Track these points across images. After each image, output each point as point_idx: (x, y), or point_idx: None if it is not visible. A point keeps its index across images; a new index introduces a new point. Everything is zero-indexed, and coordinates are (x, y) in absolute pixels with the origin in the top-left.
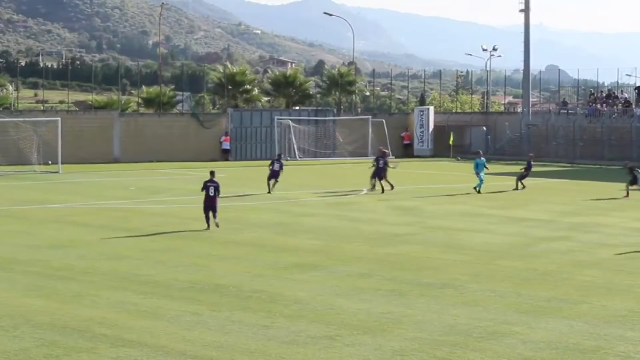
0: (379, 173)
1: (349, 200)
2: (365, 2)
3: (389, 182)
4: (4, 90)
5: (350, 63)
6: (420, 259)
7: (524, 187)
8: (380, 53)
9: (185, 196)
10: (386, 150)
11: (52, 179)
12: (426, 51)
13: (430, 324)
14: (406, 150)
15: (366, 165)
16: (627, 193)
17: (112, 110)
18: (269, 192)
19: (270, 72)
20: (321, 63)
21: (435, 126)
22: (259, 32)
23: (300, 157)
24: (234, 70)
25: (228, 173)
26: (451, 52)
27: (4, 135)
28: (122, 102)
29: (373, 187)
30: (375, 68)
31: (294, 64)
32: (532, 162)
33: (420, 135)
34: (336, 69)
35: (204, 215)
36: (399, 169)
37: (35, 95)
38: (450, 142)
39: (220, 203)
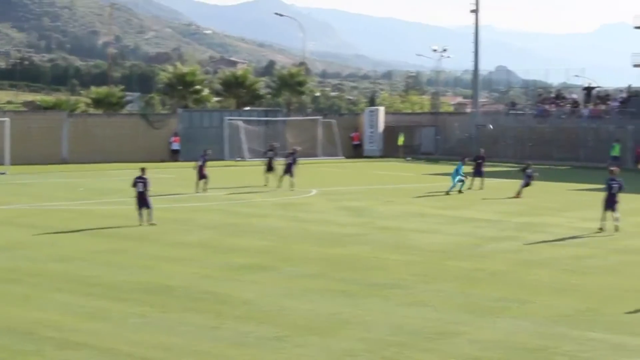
0: (288, 169)
1: (298, 201)
2: (315, 2)
3: (291, 180)
4: None
5: (301, 63)
6: (369, 259)
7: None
8: (331, 53)
9: (134, 197)
10: (297, 148)
11: None
12: (377, 52)
13: (379, 325)
14: (356, 151)
15: (316, 166)
16: (519, 194)
17: (61, 111)
18: (198, 192)
19: (220, 72)
20: (271, 63)
21: (385, 127)
22: (209, 32)
23: (250, 158)
24: (184, 71)
25: (177, 174)
26: (401, 53)
27: None
28: (71, 102)
29: (273, 183)
30: (325, 68)
31: (244, 65)
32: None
33: (370, 135)
34: (286, 70)
35: (137, 212)
36: (349, 170)
37: None
38: (400, 143)
39: (169, 204)
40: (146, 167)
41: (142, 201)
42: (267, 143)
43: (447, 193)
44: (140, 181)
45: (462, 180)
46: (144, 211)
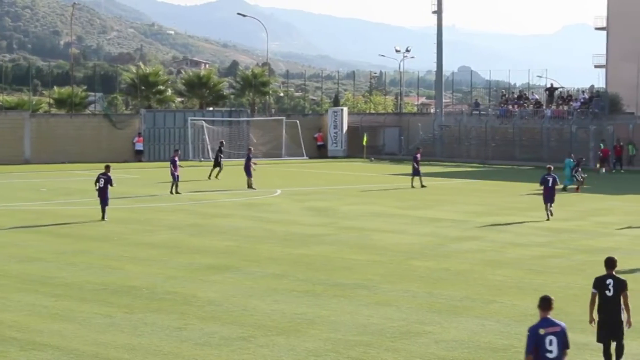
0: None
1: (263, 201)
2: (278, 3)
3: (248, 180)
4: None
5: (264, 64)
6: (333, 259)
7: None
8: (294, 54)
9: (96, 197)
10: (251, 148)
11: None
12: (340, 52)
13: (344, 325)
14: (320, 151)
15: (280, 166)
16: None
17: (23, 111)
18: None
19: (183, 72)
20: (235, 64)
21: (348, 127)
22: (172, 32)
23: (214, 158)
24: (147, 71)
25: (141, 174)
26: (365, 53)
27: None
28: (33, 102)
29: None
30: (289, 69)
31: (207, 65)
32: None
33: (333, 136)
34: (250, 70)
35: (100, 207)
36: (313, 170)
37: None
38: (364, 143)
39: (133, 204)
40: (110, 166)
41: (101, 197)
42: (231, 143)
43: (564, 189)
44: (103, 177)
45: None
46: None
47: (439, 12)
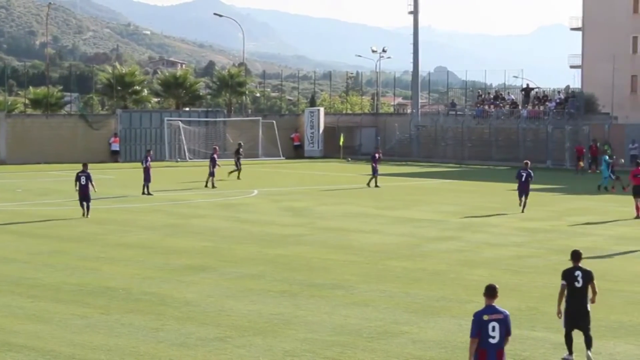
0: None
1: (239, 202)
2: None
3: (212, 181)
4: None
5: (241, 64)
6: (310, 259)
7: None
8: (271, 54)
9: (74, 198)
10: (216, 147)
11: None
12: (317, 53)
13: (321, 325)
14: (296, 152)
15: (257, 167)
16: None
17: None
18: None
19: (160, 73)
20: (211, 64)
21: (325, 127)
22: (148, 32)
23: (190, 159)
24: (123, 71)
25: (117, 175)
26: (341, 54)
27: None
28: (9, 103)
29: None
30: (265, 69)
31: (184, 65)
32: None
33: (310, 136)
34: (226, 70)
35: (79, 204)
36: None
37: None
38: (341, 143)
39: (109, 205)
40: (87, 163)
41: (85, 195)
42: (208, 144)
43: (606, 188)
44: (83, 175)
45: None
46: (85, 204)
47: (415, 12)
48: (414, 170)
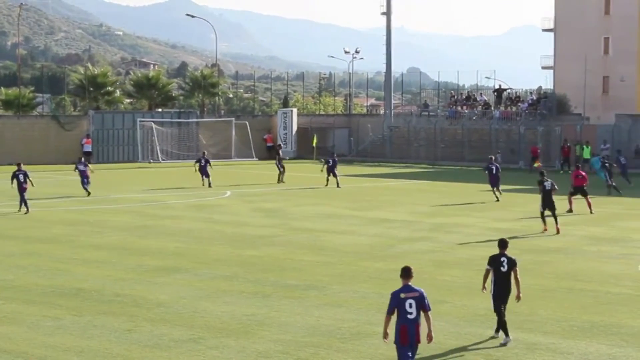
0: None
1: (212, 203)
2: (227, 4)
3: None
4: None
5: (213, 65)
6: (283, 260)
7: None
8: (244, 55)
9: (45, 199)
10: (205, 151)
11: None
12: (289, 53)
13: (294, 326)
14: (269, 152)
15: (229, 168)
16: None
17: None
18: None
19: (132, 73)
20: (184, 65)
21: (298, 128)
22: (120, 33)
23: (163, 160)
24: (95, 72)
25: (90, 175)
26: (314, 55)
27: None
28: None
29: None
30: (238, 70)
31: (156, 66)
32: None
33: (283, 137)
34: (199, 71)
35: (20, 199)
36: (262, 171)
37: None
38: (314, 144)
39: (80, 206)
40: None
41: (23, 192)
42: (180, 145)
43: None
44: (20, 173)
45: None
46: (24, 201)
47: (387, 13)
48: (386, 171)
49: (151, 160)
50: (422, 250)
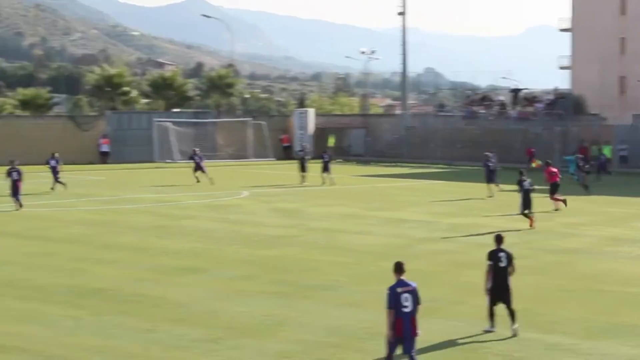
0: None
1: (229, 203)
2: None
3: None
4: None
5: (229, 65)
6: (302, 261)
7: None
8: (259, 55)
9: (64, 199)
10: (196, 149)
11: None
12: (305, 54)
13: (313, 326)
14: (286, 153)
15: (246, 168)
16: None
17: None
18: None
19: (148, 74)
20: (200, 65)
21: (314, 128)
22: (136, 33)
23: (179, 160)
24: (112, 72)
25: (106, 176)
26: (330, 55)
27: None
28: None
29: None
30: (254, 70)
31: (172, 66)
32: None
33: (299, 137)
34: (215, 71)
35: (13, 198)
36: (279, 171)
37: None
38: (330, 145)
39: (98, 206)
40: (15, 160)
41: (16, 189)
42: (197, 145)
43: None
44: (14, 170)
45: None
46: (17, 198)
47: (404, 13)
48: (403, 171)
49: (168, 161)
50: (440, 251)
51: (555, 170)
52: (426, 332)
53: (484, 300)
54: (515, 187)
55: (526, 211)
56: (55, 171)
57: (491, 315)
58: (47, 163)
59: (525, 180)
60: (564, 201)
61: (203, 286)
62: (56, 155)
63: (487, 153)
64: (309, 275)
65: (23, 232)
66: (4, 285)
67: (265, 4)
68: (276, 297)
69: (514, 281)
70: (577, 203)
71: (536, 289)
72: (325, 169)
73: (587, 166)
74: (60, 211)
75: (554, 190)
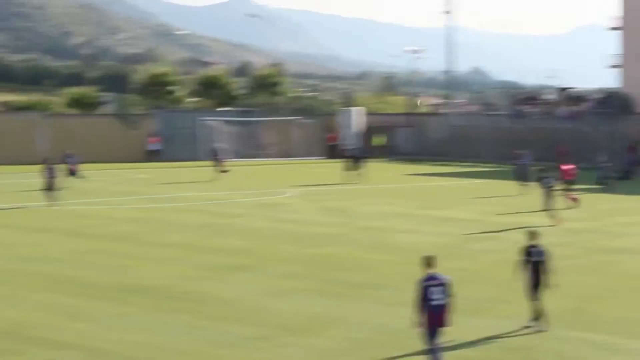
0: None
1: (278, 201)
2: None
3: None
4: None
5: (276, 64)
6: (349, 259)
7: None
8: (304, 54)
9: (112, 197)
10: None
11: None
12: (350, 53)
13: (361, 324)
14: (332, 151)
15: (292, 167)
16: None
17: (37, 111)
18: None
19: (195, 73)
20: (246, 64)
21: (361, 127)
22: (182, 33)
23: (226, 159)
24: (159, 71)
25: (153, 174)
26: (375, 54)
27: None
28: (47, 102)
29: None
30: (299, 69)
31: (218, 65)
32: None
33: (346, 136)
34: (261, 70)
35: (49, 194)
36: (326, 170)
37: None
38: (378, 143)
39: (146, 204)
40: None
41: (52, 186)
42: (243, 144)
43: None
44: (51, 168)
45: None
46: (51, 194)
47: (450, 12)
48: (451, 170)
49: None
50: (489, 250)
51: (569, 167)
52: (474, 330)
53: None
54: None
55: (549, 208)
56: (72, 170)
57: (536, 312)
58: (65, 162)
59: (546, 178)
60: (575, 199)
61: (252, 284)
62: (72, 153)
63: (519, 152)
64: (357, 274)
65: (72, 229)
66: (55, 282)
67: (310, 2)
68: (324, 296)
69: (561, 280)
70: (626, 203)
71: (586, 288)
72: (357, 166)
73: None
74: (108, 209)
75: (568, 186)
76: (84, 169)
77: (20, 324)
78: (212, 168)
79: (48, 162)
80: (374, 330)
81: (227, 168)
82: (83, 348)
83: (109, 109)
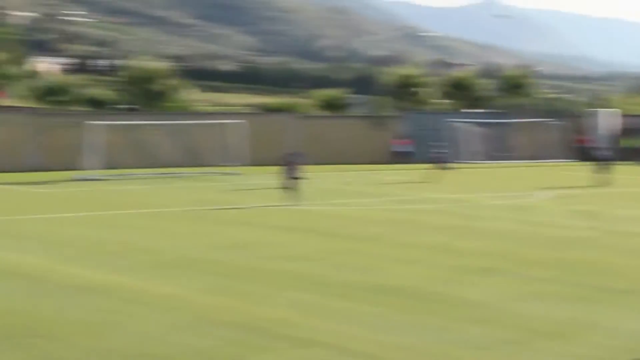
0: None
1: (527, 204)
2: (536, 3)
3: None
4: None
5: (525, 65)
6: (603, 264)
7: None
8: (554, 55)
9: (363, 198)
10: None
11: (232, 181)
12: (600, 53)
13: (617, 331)
14: (584, 154)
15: (543, 169)
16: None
17: (292, 113)
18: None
19: (443, 74)
20: (494, 65)
21: (616, 129)
22: (430, 34)
23: (477, 161)
24: (408, 73)
25: (401, 176)
26: (625, 53)
27: (187, 137)
28: (299, 104)
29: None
30: (547, 70)
31: (466, 67)
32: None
33: (599, 138)
34: (510, 72)
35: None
36: (578, 172)
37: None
38: (630, 145)
39: (394, 205)
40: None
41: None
42: (491, 145)
43: None
44: (293, 159)
45: None
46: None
47: None
48: None
49: (466, 161)
50: None
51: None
52: None
53: None
54: None
55: None
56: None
57: None
58: (289, 163)
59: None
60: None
61: (501, 287)
62: (299, 152)
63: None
64: (610, 279)
65: (324, 229)
66: (303, 280)
67: (558, 3)
68: (577, 300)
69: None
70: None
71: None
72: (607, 169)
73: None
74: (360, 210)
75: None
76: (337, 170)
77: (268, 321)
78: (443, 170)
79: (289, 161)
80: (630, 337)
81: (447, 167)
82: (332, 347)
83: (357, 110)
